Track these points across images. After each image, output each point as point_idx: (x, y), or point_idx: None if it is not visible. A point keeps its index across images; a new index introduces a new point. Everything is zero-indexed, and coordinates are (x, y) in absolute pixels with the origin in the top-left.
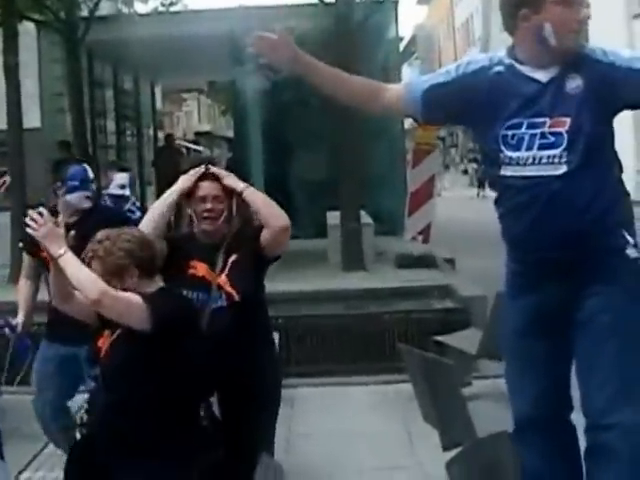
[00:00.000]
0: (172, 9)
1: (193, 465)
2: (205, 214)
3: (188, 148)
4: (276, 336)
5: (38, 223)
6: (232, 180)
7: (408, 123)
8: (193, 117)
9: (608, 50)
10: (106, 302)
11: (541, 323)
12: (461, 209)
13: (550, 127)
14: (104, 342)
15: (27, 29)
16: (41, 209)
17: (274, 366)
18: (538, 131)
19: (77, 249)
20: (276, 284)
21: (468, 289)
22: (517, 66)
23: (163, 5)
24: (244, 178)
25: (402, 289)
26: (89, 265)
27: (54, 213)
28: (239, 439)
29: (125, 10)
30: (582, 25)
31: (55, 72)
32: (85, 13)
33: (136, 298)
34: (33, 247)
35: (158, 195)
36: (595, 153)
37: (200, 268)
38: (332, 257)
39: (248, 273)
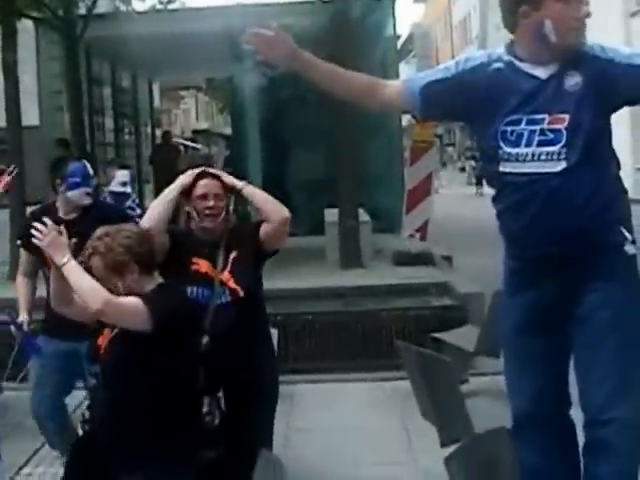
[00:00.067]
0: (170, 7)
1: (192, 463)
2: (207, 211)
3: (186, 146)
4: (275, 333)
5: (42, 233)
6: (230, 179)
7: (405, 120)
8: (191, 115)
9: (607, 47)
10: (108, 311)
11: (539, 320)
12: (458, 206)
13: (549, 124)
14: (104, 340)
15: (25, 27)
16: (45, 219)
17: (272, 362)
18: (537, 127)
19: (77, 245)
20: (274, 281)
21: (465, 286)
22: (516, 63)
23: (161, 3)
24: (242, 176)
25: (400, 286)
26: (89, 261)
27: (54, 210)
28: (239, 435)
29: (123, 8)
30: (582, 22)
31: (53, 70)
32: (83, 11)
33: (136, 302)
34: (31, 244)
35: (156, 193)
36: (594, 150)
37: (202, 264)
38: (330, 254)
39: (250, 269)
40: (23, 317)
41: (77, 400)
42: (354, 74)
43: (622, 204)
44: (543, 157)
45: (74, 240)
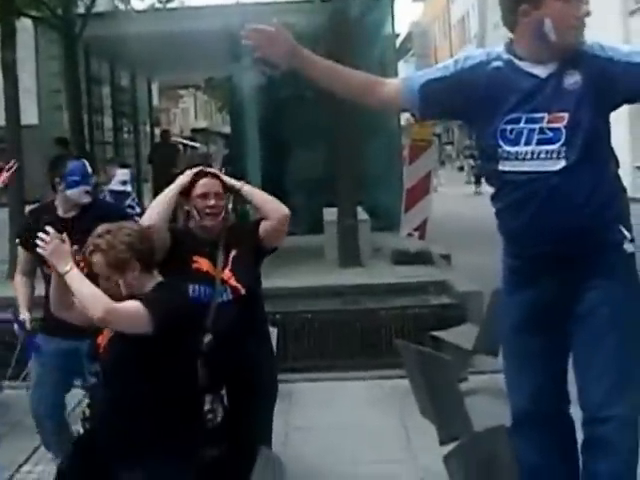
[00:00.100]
0: (169, 5)
1: (193, 461)
2: (208, 210)
3: (185, 145)
4: (274, 331)
5: (45, 241)
6: (228, 179)
7: (404, 119)
8: (190, 114)
9: (606, 45)
10: (110, 319)
11: (538, 318)
12: (457, 205)
13: (548, 122)
14: (104, 338)
15: (24, 26)
16: (48, 228)
17: (271, 361)
18: (537, 126)
19: (77, 243)
20: (274, 280)
21: (464, 285)
22: (516, 61)
23: (160, 2)
24: (241, 174)
25: (398, 285)
26: (90, 258)
27: (52, 208)
28: (239, 433)
29: (122, 7)
30: (582, 21)
31: (52, 69)
32: (82, 10)
33: (137, 307)
34: (30, 243)
35: (155, 191)
36: (593, 148)
37: (203, 263)
38: (329, 253)
39: (250, 268)
40: (25, 315)
41: (76, 399)
42: (353, 72)
43: (621, 203)
44: (542, 156)
45: (76, 247)
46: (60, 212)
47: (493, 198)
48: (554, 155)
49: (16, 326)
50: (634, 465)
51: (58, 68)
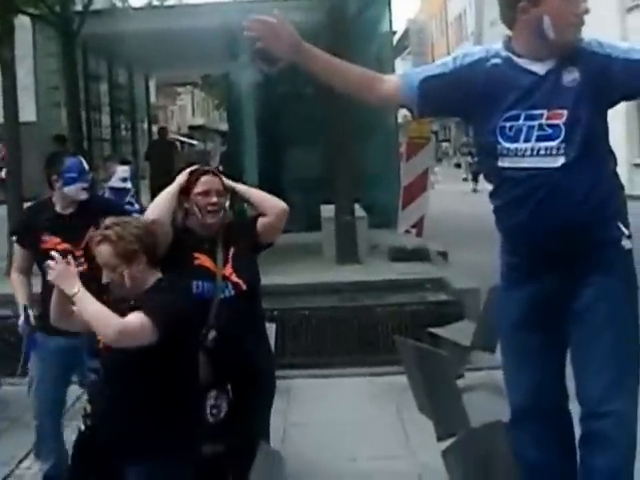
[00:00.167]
0: (166, 3)
1: (193, 458)
2: (210, 208)
3: (182, 142)
4: (273, 327)
5: (51, 267)
6: (225, 180)
7: (401, 117)
8: (187, 111)
9: (604, 42)
10: (122, 339)
11: (536, 315)
12: (454, 202)
13: (548, 119)
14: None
15: (22, 23)
16: (52, 253)
17: (269, 358)
18: (536, 123)
19: (76, 239)
20: (272, 277)
21: (461, 282)
22: (514, 58)
23: None
24: (238, 171)
25: (396, 282)
26: (97, 248)
27: (50, 206)
28: (239, 428)
29: (119, 4)
30: (580, 18)
31: (50, 66)
32: (80, 7)
33: (142, 321)
34: (26, 240)
35: (152, 188)
36: (592, 145)
37: (204, 260)
38: (326, 250)
39: (250, 264)
40: (28, 312)
41: (74, 395)
42: (352, 67)
43: (619, 199)
44: (542, 152)
45: (81, 269)
46: (58, 209)
47: (492, 195)
48: (553, 152)
49: (21, 321)
50: (632, 460)
51: (56, 65)
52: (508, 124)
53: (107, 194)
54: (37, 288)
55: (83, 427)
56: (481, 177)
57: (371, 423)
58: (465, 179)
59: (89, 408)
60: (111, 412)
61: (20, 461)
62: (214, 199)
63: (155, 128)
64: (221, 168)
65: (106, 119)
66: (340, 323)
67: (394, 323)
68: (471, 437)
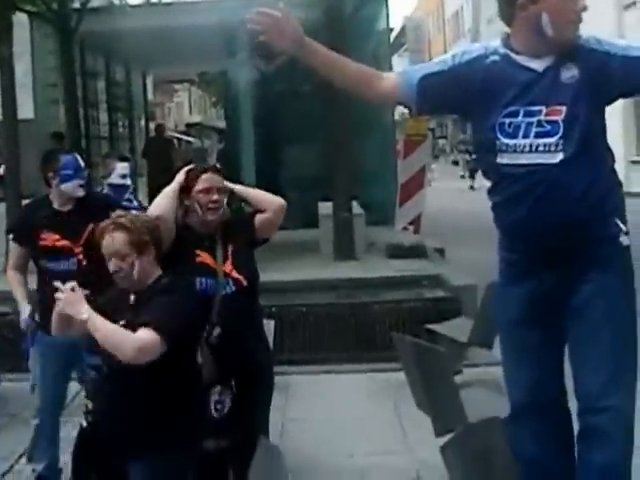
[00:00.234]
0: (163, 0)
1: (194, 454)
2: (211, 205)
3: (179, 139)
4: (272, 324)
5: (58, 298)
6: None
7: (398, 114)
8: (184, 108)
9: (602, 39)
10: (140, 356)
11: (535, 312)
12: (451, 200)
13: (546, 115)
14: None
15: (20, 20)
16: (56, 284)
17: (268, 355)
18: (534, 119)
19: (74, 236)
20: (269, 273)
21: (459, 278)
22: (512, 55)
23: None
24: (236, 169)
25: (393, 279)
26: (108, 235)
27: (48, 203)
28: (240, 424)
29: (117, 1)
30: (579, 15)
31: (48, 63)
32: (77, 4)
33: (154, 337)
34: (23, 237)
35: (150, 186)
36: (590, 142)
37: (205, 257)
38: (324, 247)
39: (249, 260)
40: (29, 308)
41: (73, 391)
42: (352, 64)
43: (617, 196)
44: (541, 148)
45: (86, 292)
46: (56, 206)
47: (490, 191)
48: (552, 148)
49: (24, 318)
50: (629, 455)
51: (54, 63)
52: (507, 120)
53: (106, 191)
54: (32, 285)
55: (85, 424)
56: (478, 174)
57: (369, 419)
58: (462, 176)
59: (90, 405)
60: (112, 410)
61: (20, 456)
62: (215, 196)
63: (152, 125)
64: (218, 165)
65: (104, 116)
66: (337, 320)
67: (391, 320)
68: (469, 433)
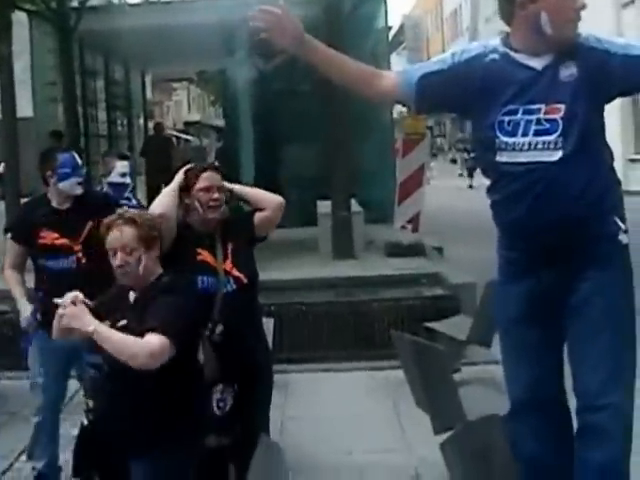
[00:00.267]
0: None
1: (196, 451)
2: (211, 203)
3: (178, 137)
4: (271, 322)
5: (60, 314)
6: None
7: (396, 113)
8: (183, 106)
9: (602, 38)
10: (151, 362)
11: (533, 310)
12: (450, 198)
13: (545, 113)
14: None
15: (19, 19)
16: (57, 300)
17: (267, 352)
18: (534, 117)
19: (75, 233)
20: (269, 272)
21: (457, 277)
22: (511, 54)
23: None
24: (234, 167)
25: (392, 277)
26: (117, 228)
27: (46, 201)
28: (242, 422)
29: (116, 0)
30: (578, 14)
31: (47, 62)
32: (76, 3)
33: (163, 342)
34: (21, 235)
35: (148, 184)
36: (589, 140)
37: (205, 255)
38: (322, 246)
39: (249, 258)
40: (30, 307)
41: (73, 389)
42: (351, 62)
43: (616, 194)
44: (540, 146)
45: (94, 303)
46: (54, 204)
47: (489, 190)
48: (551, 146)
49: (27, 316)
50: (628, 453)
51: (53, 61)
52: (506, 118)
53: (106, 189)
54: (29, 284)
55: (86, 422)
56: (477, 173)
57: (368, 417)
58: (461, 175)
59: (91, 403)
60: (113, 408)
61: (19, 454)
62: (216, 194)
63: (151, 124)
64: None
65: (102, 115)
66: (336, 318)
67: (390, 318)
68: (468, 430)
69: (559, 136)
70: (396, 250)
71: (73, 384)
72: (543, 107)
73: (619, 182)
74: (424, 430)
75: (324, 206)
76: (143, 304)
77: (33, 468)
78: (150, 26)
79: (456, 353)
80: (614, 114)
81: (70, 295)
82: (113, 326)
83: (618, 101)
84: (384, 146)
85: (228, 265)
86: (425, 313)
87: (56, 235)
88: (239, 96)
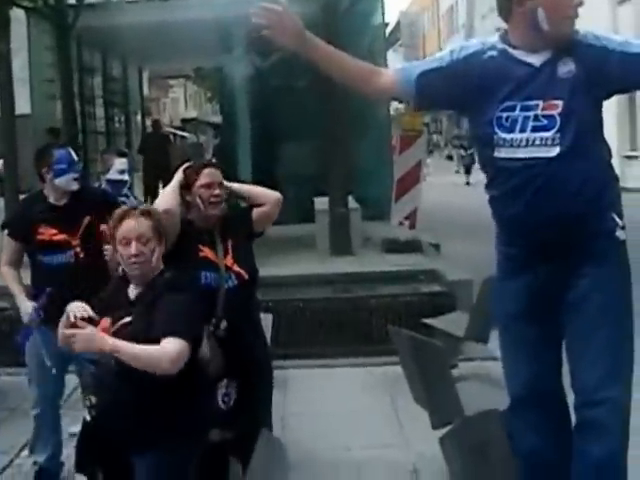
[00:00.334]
0: None
1: (199, 447)
2: (212, 199)
3: (175, 134)
4: (270, 318)
5: (71, 338)
6: None
7: (393, 109)
8: (179, 103)
9: (600, 35)
10: (173, 367)
11: (531, 306)
12: (446, 195)
13: (543, 110)
14: (106, 330)
15: (17, 16)
16: (60, 331)
17: (265, 348)
18: (531, 113)
19: (73, 229)
20: (266, 268)
21: (454, 273)
22: (510, 50)
23: None
24: (232, 164)
25: (389, 273)
26: (132, 219)
27: (43, 198)
28: (245, 417)
29: None
30: (575, 10)
31: (45, 59)
32: (74, 0)
33: (182, 345)
34: (19, 232)
35: (145, 182)
36: (587, 136)
37: (207, 251)
38: (320, 242)
39: (249, 253)
40: (29, 303)
41: (72, 385)
42: (350, 59)
43: (614, 191)
44: (537, 142)
45: (109, 319)
46: (51, 200)
47: (488, 186)
48: (548, 142)
49: (30, 311)
50: (626, 447)
51: (51, 58)
52: (504, 115)
53: (104, 186)
54: (26, 281)
55: (89, 418)
56: (474, 170)
57: (366, 413)
58: (457, 171)
59: (94, 399)
60: (117, 404)
61: (20, 450)
62: (217, 191)
63: (148, 121)
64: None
65: (100, 112)
66: (334, 314)
67: (387, 314)
68: (467, 425)
69: (556, 132)
70: (393, 246)
71: (72, 381)
72: (541, 103)
73: (617, 178)
74: (422, 426)
75: (321, 203)
76: (150, 300)
77: (34, 462)
78: (147, 23)
79: (453, 349)
80: (610, 111)
81: (73, 308)
82: (115, 323)
83: (614, 98)
84: (381, 143)
85: (229, 261)
86: (422, 309)
87: (54, 231)
88: (236, 93)
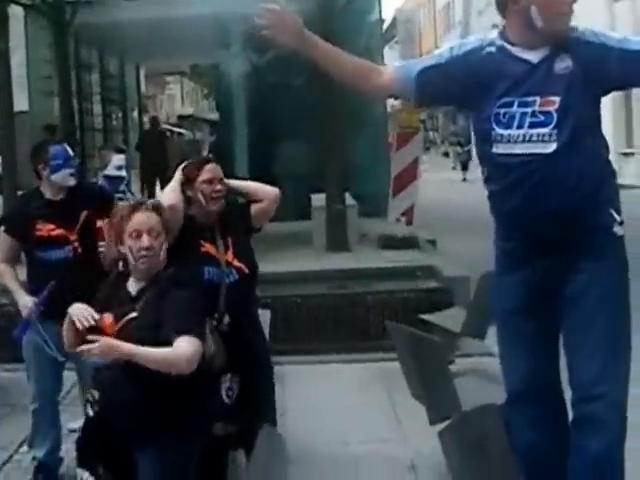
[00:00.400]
0: None
1: (202, 442)
2: (214, 194)
3: (171, 131)
4: (267, 314)
5: (89, 351)
6: None
7: (389, 106)
8: (176, 100)
9: (598, 31)
10: (190, 366)
11: (529, 301)
12: (443, 191)
13: (540, 106)
14: (108, 327)
15: (15, 13)
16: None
17: (264, 344)
18: (529, 110)
19: (71, 224)
20: (264, 265)
21: (451, 269)
22: (508, 47)
23: None
24: (228, 161)
25: (386, 269)
26: (141, 213)
27: (40, 194)
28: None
29: None
30: (570, 7)
31: (42, 56)
32: None
33: (196, 343)
34: (16, 229)
35: (142, 179)
36: (584, 132)
37: (208, 247)
38: (317, 239)
39: (248, 248)
40: (28, 297)
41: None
42: (349, 57)
43: (611, 186)
44: (534, 138)
45: (112, 316)
46: (48, 196)
47: (486, 181)
48: (545, 138)
49: (30, 306)
50: (623, 441)
51: (48, 55)
52: (502, 111)
53: (102, 182)
54: (22, 277)
55: (91, 413)
56: (470, 166)
57: (363, 408)
58: (454, 168)
59: (96, 395)
60: (121, 401)
61: (19, 446)
62: (218, 186)
63: (146, 118)
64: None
65: (97, 108)
66: (331, 310)
67: (384, 310)
68: (465, 420)
69: (553, 128)
70: (390, 243)
71: (72, 377)
72: (538, 99)
73: (615, 174)
74: (420, 421)
75: (318, 199)
76: (155, 295)
77: (33, 458)
78: (145, 20)
79: (450, 345)
80: (606, 107)
81: (76, 313)
82: (119, 319)
83: (610, 95)
84: (378, 140)
85: (230, 256)
86: (419, 305)
87: (52, 226)
88: (233, 90)
